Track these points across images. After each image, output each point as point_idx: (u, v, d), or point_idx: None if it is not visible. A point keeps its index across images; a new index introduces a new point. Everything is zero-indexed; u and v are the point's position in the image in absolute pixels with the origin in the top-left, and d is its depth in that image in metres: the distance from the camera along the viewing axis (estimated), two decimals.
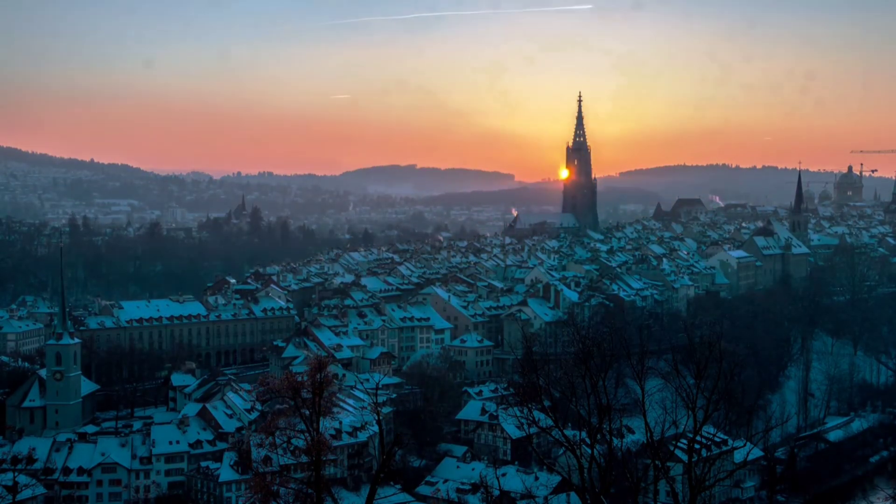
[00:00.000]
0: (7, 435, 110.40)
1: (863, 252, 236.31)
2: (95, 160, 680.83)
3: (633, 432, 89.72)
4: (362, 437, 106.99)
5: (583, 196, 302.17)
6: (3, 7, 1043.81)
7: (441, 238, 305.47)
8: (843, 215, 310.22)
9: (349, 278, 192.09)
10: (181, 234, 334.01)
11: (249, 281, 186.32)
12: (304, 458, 49.28)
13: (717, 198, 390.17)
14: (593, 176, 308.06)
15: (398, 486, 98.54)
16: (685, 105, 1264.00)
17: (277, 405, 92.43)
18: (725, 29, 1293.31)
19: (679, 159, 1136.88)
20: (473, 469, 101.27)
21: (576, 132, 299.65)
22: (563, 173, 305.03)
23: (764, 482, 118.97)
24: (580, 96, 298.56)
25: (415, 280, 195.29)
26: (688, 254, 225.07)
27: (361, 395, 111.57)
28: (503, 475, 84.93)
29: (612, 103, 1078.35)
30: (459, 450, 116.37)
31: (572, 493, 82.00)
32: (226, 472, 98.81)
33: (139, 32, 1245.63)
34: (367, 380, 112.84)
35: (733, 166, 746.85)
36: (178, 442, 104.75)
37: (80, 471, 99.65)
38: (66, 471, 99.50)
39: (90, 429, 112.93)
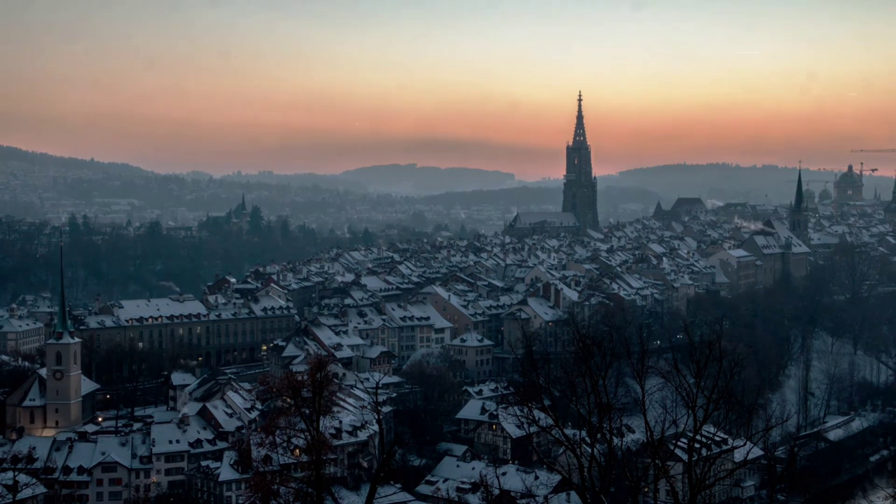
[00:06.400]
0: (7, 434, 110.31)
1: (863, 251, 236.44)
2: (95, 160, 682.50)
3: (633, 431, 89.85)
4: (362, 436, 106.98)
5: (583, 195, 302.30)
6: (3, 7, 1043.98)
7: (441, 237, 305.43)
8: (843, 214, 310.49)
9: (349, 277, 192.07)
10: (181, 234, 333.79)
11: (249, 280, 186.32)
12: (304, 458, 49.30)
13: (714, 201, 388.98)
14: (593, 175, 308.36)
15: (398, 486, 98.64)
16: (685, 104, 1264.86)
17: (278, 404, 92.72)
18: (726, 28, 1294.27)
19: (679, 158, 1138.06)
20: (473, 468, 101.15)
21: (576, 131, 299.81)
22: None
23: (764, 481, 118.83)
24: (580, 95, 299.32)
25: (415, 279, 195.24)
26: (688, 253, 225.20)
27: (361, 395, 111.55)
28: (503, 474, 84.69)
29: (612, 101, 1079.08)
30: (459, 449, 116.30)
31: (572, 493, 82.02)
32: (226, 472, 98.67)
33: (139, 32, 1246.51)
34: (367, 379, 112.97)
35: (733, 165, 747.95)
36: (178, 441, 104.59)
37: (81, 470, 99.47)
38: (67, 470, 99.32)
39: (90, 428, 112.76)
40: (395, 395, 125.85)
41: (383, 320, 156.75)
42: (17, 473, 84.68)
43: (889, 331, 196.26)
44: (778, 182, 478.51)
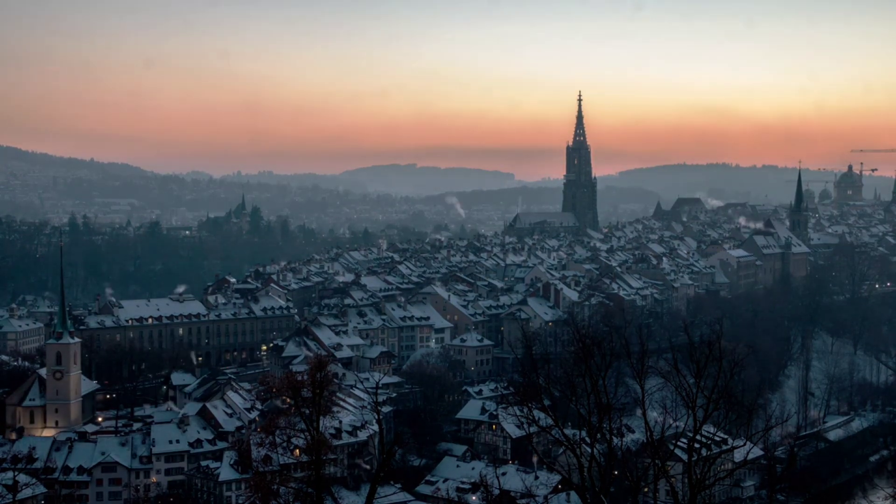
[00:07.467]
0: (7, 434, 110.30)
1: (863, 251, 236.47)
2: (95, 160, 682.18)
3: (633, 431, 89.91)
4: (362, 436, 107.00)
5: (583, 195, 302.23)
6: (2, 7, 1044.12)
7: (441, 237, 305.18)
8: (843, 214, 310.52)
9: (349, 277, 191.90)
10: (181, 234, 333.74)
11: (249, 280, 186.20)
12: (304, 458, 49.23)
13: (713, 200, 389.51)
14: (593, 175, 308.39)
15: (398, 485, 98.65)
16: (685, 104, 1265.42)
17: (277, 404, 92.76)
18: (726, 28, 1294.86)
19: (679, 158, 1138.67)
20: (473, 468, 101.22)
21: (576, 131, 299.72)
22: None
23: (764, 481, 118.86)
24: (580, 95, 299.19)
25: (415, 279, 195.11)
26: (688, 253, 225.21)
27: (361, 395, 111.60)
28: (503, 474, 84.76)
29: (612, 101, 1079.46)
30: (459, 449, 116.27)
31: (572, 493, 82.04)
32: (226, 472, 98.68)
33: (139, 32, 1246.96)
34: (367, 379, 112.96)
35: (733, 165, 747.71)
36: (178, 441, 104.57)
37: (80, 470, 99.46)
38: (66, 470, 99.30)
39: (90, 428, 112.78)
40: (394, 395, 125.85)
41: (383, 320, 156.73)
42: (17, 473, 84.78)
43: (889, 331, 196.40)
44: (778, 182, 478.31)
